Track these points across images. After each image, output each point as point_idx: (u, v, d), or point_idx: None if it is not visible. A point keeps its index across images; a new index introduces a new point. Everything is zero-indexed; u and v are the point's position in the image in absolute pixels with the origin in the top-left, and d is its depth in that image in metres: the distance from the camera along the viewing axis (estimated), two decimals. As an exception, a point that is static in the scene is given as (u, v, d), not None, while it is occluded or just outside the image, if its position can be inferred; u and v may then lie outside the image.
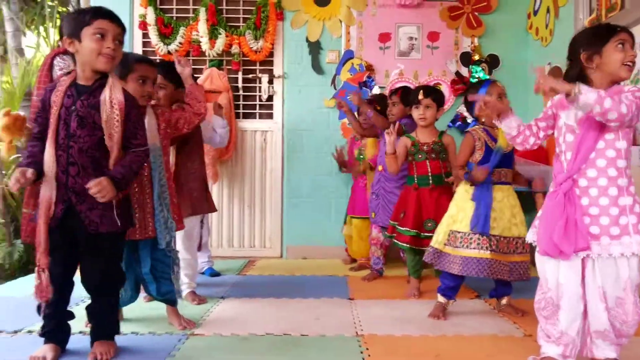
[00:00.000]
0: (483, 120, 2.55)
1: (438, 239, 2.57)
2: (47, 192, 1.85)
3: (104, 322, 2.03)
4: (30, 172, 1.82)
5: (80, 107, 1.86)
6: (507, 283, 2.57)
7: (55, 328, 1.98)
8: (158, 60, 3.83)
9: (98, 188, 1.79)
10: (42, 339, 1.99)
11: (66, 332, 2.04)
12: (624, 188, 1.71)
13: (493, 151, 2.49)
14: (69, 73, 1.94)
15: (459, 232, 2.49)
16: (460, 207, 2.54)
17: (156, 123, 2.32)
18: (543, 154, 3.76)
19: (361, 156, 3.68)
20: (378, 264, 3.40)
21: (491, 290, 2.69)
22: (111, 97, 1.87)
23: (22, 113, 3.63)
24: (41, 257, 1.86)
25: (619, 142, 1.71)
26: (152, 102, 2.37)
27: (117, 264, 2.06)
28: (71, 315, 2.05)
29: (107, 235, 1.92)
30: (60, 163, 1.86)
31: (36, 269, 1.87)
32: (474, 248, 2.44)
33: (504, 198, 2.50)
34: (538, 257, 1.84)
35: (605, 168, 1.71)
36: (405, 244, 2.97)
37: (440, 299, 2.56)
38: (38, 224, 1.87)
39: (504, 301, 2.61)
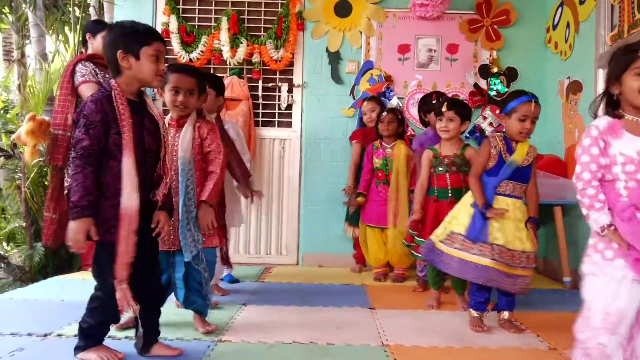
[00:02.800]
0: (504, 129, 2.53)
1: (437, 232, 2.61)
2: (132, 202, 1.84)
3: (158, 326, 2.12)
4: (93, 227, 1.80)
5: (149, 124, 1.95)
6: (511, 299, 2.58)
7: (101, 336, 2.03)
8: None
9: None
10: (76, 342, 2.01)
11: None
12: None
13: (505, 163, 2.48)
14: (108, 84, 1.93)
15: (459, 235, 2.50)
16: (461, 209, 2.57)
17: (192, 136, 2.34)
18: (562, 167, 3.78)
19: (387, 166, 3.65)
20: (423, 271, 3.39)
21: (494, 305, 2.68)
22: (159, 111, 2.01)
23: (46, 118, 3.68)
24: (123, 269, 1.85)
25: None
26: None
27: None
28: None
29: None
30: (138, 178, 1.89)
31: (114, 282, 1.85)
32: (475, 254, 2.45)
33: (510, 211, 2.47)
34: (594, 286, 1.73)
35: None
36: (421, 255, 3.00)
37: (474, 313, 2.57)
38: (122, 236, 1.83)
39: (504, 315, 2.61)
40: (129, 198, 1.84)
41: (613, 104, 1.76)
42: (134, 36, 1.91)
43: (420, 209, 2.98)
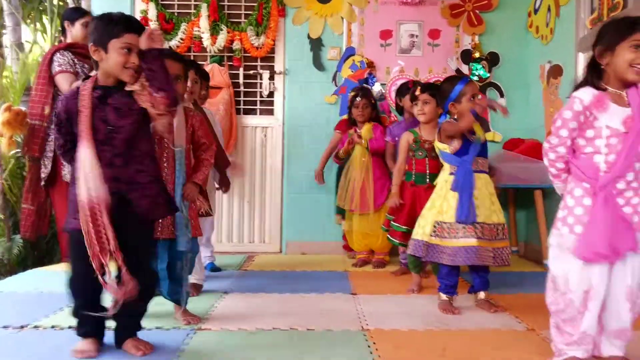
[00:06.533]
0: (455, 117, 2.57)
1: (425, 231, 2.57)
2: (82, 193, 1.81)
3: (139, 318, 2.05)
4: None
5: (112, 101, 1.88)
6: (485, 278, 2.62)
7: (94, 326, 1.97)
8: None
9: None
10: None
11: (104, 327, 2.02)
12: None
13: (472, 143, 2.52)
14: (86, 78, 1.94)
15: (445, 223, 2.51)
16: (443, 198, 2.56)
17: (184, 124, 2.32)
18: (542, 151, 3.78)
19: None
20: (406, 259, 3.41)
21: (470, 287, 2.73)
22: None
23: (22, 108, 3.61)
24: (94, 259, 1.81)
25: None
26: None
27: (152, 260, 2.12)
28: (105, 309, 2.01)
29: (151, 226, 2.03)
30: (104, 158, 1.84)
31: (113, 266, 1.81)
32: (461, 237, 2.47)
33: (483, 186, 2.54)
34: (559, 258, 1.79)
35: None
36: (396, 240, 3.02)
37: (443, 297, 2.60)
38: (98, 223, 1.79)
39: (480, 295, 2.64)
40: (81, 189, 1.81)
41: (597, 75, 1.73)
42: (105, 28, 1.86)
43: (397, 192, 2.98)
